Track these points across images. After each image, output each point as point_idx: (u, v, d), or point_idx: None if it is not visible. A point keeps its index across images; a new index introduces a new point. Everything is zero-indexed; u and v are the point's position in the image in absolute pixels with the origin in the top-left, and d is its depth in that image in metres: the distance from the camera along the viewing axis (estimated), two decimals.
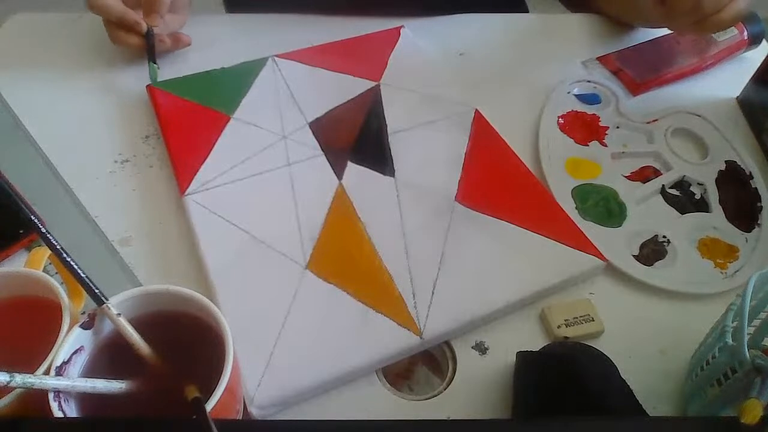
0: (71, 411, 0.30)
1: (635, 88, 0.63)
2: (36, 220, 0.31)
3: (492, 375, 0.41)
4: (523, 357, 0.40)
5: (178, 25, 0.64)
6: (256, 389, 0.38)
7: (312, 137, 0.54)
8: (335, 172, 0.51)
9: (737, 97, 0.63)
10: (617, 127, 0.59)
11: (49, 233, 0.31)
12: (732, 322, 0.36)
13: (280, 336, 0.41)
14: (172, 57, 0.63)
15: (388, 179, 0.51)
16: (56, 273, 0.41)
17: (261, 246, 0.46)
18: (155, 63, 0.60)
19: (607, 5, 0.71)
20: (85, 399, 0.31)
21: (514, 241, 0.47)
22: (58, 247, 0.31)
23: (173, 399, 0.30)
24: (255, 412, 0.37)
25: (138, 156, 0.54)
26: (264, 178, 0.51)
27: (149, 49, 0.60)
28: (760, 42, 0.67)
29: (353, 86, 0.60)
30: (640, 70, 0.64)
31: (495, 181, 0.51)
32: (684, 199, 0.53)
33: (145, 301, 0.33)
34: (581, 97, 0.62)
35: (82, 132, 0.56)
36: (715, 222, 0.51)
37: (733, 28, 0.66)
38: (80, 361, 0.32)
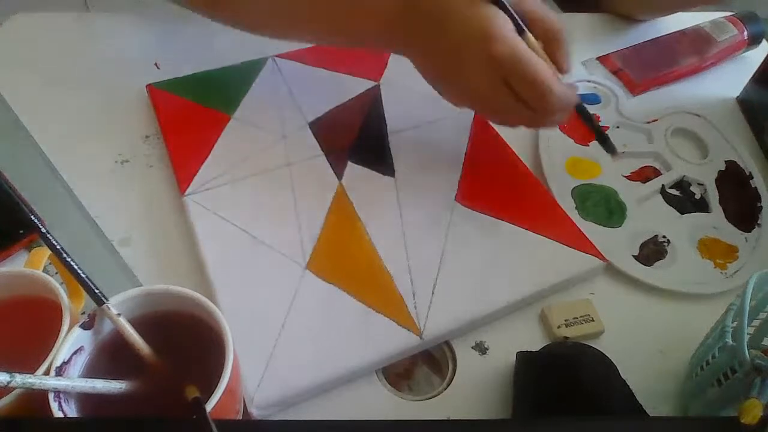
0: (71, 411, 0.30)
1: (635, 88, 0.63)
2: (36, 220, 0.31)
3: (492, 375, 0.41)
4: (523, 357, 0.40)
5: None
6: (256, 389, 0.38)
7: (312, 137, 0.54)
8: (335, 172, 0.51)
9: (737, 97, 0.63)
10: (617, 127, 0.59)
11: (49, 233, 0.31)
12: (732, 322, 0.36)
13: (280, 336, 0.41)
14: (172, 57, 0.63)
15: (388, 179, 0.51)
16: (56, 273, 0.41)
17: (261, 246, 0.46)
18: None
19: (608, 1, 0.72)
20: (85, 399, 0.31)
21: (514, 241, 0.47)
22: (58, 247, 0.31)
23: (173, 399, 0.30)
24: (255, 412, 0.37)
25: (138, 156, 0.54)
26: (264, 178, 0.50)
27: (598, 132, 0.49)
28: (760, 42, 0.67)
29: (353, 86, 0.59)
30: (640, 70, 0.64)
31: (495, 181, 0.51)
32: (684, 199, 0.53)
33: (145, 301, 0.33)
34: (581, 97, 0.61)
35: (82, 132, 0.56)
36: (715, 222, 0.51)
37: (733, 27, 0.66)
38: (80, 361, 0.32)
